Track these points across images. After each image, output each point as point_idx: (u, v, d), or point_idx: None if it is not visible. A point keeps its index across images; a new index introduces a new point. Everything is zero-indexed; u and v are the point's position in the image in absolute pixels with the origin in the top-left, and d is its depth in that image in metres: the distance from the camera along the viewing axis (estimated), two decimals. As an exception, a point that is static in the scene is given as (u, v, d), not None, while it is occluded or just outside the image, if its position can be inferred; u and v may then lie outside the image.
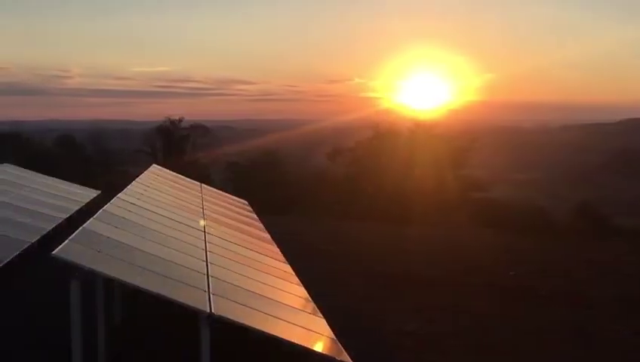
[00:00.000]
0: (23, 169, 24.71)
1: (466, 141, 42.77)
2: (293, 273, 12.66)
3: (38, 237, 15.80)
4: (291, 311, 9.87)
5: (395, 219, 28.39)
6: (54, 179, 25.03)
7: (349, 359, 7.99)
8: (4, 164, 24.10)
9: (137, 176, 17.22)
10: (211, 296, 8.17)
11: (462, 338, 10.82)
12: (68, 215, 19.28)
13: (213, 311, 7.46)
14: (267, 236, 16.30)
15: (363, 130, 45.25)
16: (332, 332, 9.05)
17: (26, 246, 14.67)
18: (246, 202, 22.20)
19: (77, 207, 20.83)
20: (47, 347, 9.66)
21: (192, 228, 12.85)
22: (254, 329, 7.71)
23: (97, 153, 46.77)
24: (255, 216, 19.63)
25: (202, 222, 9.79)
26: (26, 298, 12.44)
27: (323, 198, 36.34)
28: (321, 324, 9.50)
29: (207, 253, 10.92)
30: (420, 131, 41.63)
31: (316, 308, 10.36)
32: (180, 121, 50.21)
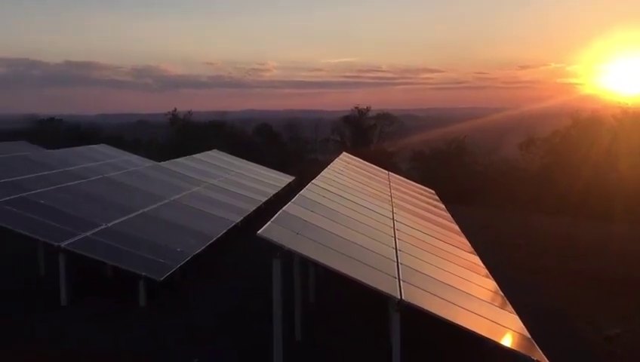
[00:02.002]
0: (228, 155, 27.19)
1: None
2: (482, 265, 12.35)
3: (241, 217, 17.27)
4: (480, 304, 9.65)
5: (594, 214, 26.16)
6: (254, 164, 27.19)
7: (545, 359, 7.60)
8: (213, 150, 26.71)
9: (327, 163, 18.02)
10: (401, 282, 8.32)
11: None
12: (267, 198, 20.82)
13: (403, 297, 7.59)
14: (455, 226, 16.08)
15: (560, 119, 42.23)
16: (525, 329, 8.68)
17: (232, 225, 16.16)
18: (433, 191, 22.08)
19: (274, 191, 22.41)
20: (248, 316, 10.59)
21: (381, 214, 13.13)
22: (442, 318, 7.69)
23: (291, 141, 49.57)
24: (442, 205, 19.46)
25: None
26: (231, 271, 13.73)
27: (513, 190, 34.72)
28: (513, 320, 9.16)
29: (396, 240, 11.10)
30: (627, 119, 37.72)
31: (507, 302, 10.01)
32: (368, 110, 51.22)
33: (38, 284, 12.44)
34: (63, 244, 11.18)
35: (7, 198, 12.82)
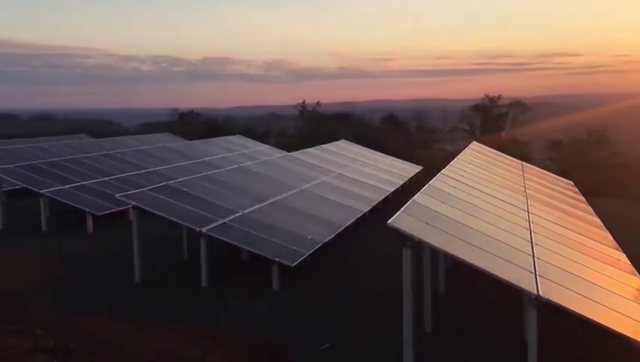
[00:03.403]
0: (355, 145, 27.44)
1: None
2: (628, 261, 11.49)
3: (369, 207, 17.40)
4: (624, 302, 9.00)
5: None
6: (381, 154, 27.23)
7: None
8: (341, 140, 27.09)
9: (456, 153, 17.61)
10: (538, 277, 7.97)
11: None
12: (394, 188, 20.78)
13: (540, 293, 7.27)
14: (596, 220, 15.10)
15: None
16: (678, 333, 7.96)
17: (360, 214, 16.34)
18: (572, 183, 20.87)
19: (402, 181, 22.32)
20: (377, 305, 10.67)
21: (515, 206, 12.64)
22: (582, 315, 7.27)
23: (418, 130, 48.96)
24: (582, 197, 18.34)
25: None
26: (359, 260, 13.89)
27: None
28: (664, 322, 8.44)
29: (532, 233, 10.64)
30: None
31: (656, 303, 9.25)
32: (498, 97, 49.32)
33: (182, 267, 13.38)
34: (204, 230, 11.92)
35: (154, 186, 13.88)
